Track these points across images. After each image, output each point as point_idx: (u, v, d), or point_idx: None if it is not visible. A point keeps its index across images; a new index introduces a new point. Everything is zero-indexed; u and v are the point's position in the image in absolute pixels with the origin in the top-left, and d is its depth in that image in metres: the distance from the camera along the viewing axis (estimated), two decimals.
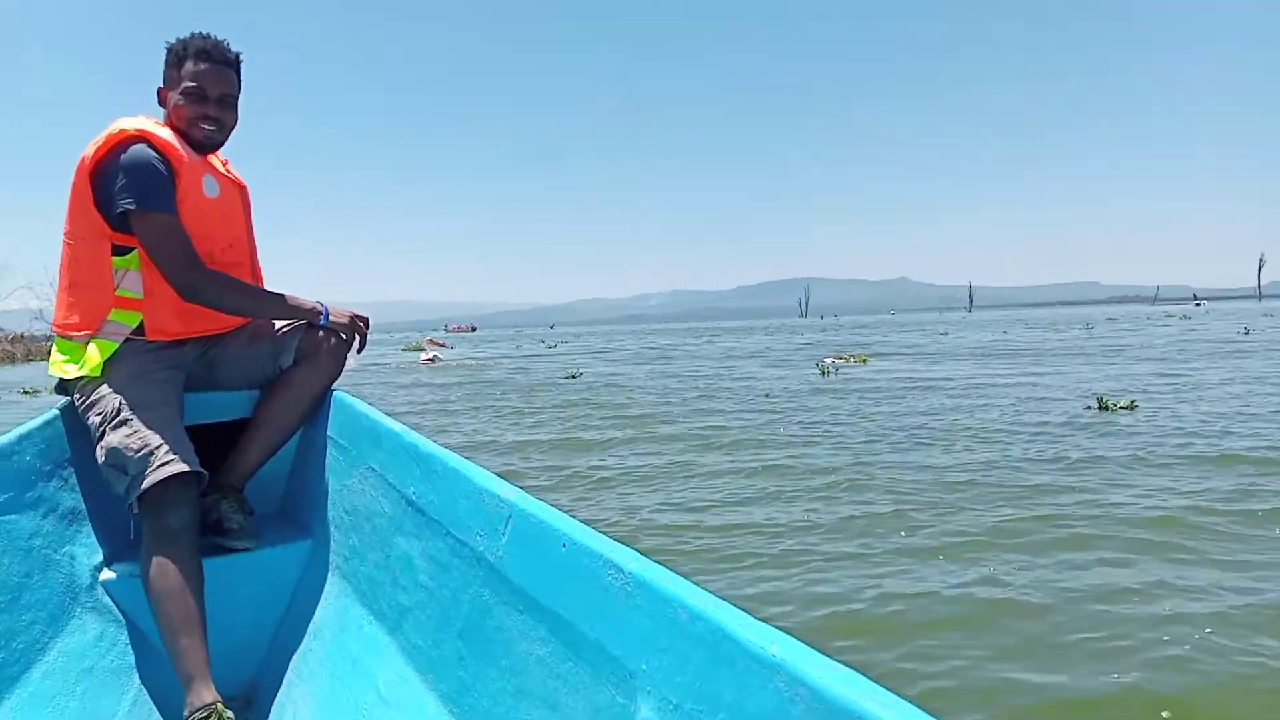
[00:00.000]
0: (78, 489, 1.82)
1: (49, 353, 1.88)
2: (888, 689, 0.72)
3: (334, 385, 2.06)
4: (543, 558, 1.19)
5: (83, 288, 1.82)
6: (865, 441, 6.06)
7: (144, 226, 1.76)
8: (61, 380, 1.87)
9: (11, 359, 34.84)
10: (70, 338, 1.82)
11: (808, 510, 4.12)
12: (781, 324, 78.51)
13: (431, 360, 21.90)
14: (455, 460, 1.50)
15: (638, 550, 1.04)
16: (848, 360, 16.00)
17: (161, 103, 1.93)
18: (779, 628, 0.83)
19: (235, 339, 2.01)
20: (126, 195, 1.72)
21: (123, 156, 1.74)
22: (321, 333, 2.01)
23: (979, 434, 6.20)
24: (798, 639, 0.81)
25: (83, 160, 1.77)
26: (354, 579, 1.74)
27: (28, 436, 1.77)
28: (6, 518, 1.61)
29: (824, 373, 13.07)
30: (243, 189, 2.07)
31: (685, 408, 8.64)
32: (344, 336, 2.04)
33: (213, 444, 1.92)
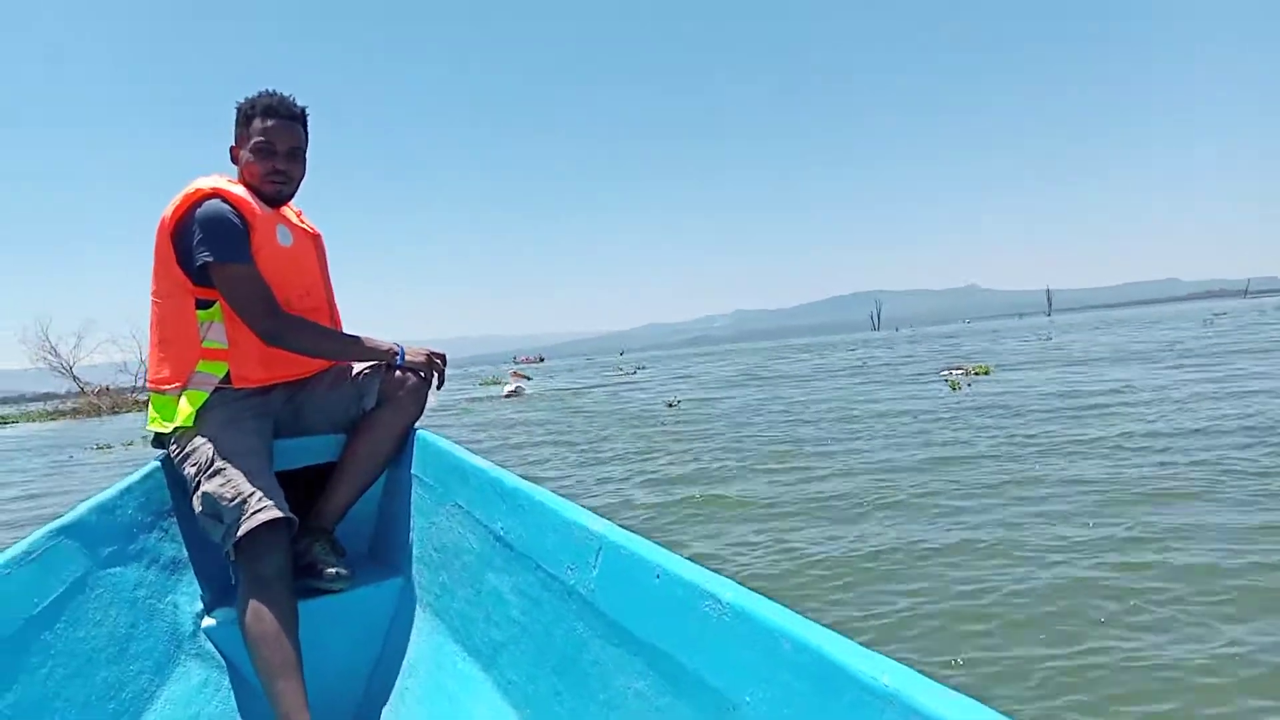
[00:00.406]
0: (179, 538, 1.87)
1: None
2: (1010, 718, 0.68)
3: (416, 424, 2.09)
4: (636, 589, 1.17)
5: (171, 343, 1.89)
6: (1128, 496, 4.36)
7: (223, 277, 1.82)
8: (158, 434, 1.93)
9: (97, 411, 35.28)
10: (163, 392, 1.88)
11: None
12: (859, 338, 75.93)
13: (515, 393, 20.86)
14: (541, 494, 1.49)
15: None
16: (969, 373, 14.39)
17: (234, 160, 1.99)
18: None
19: (319, 384, 2.07)
20: (204, 249, 1.78)
21: (199, 213, 1.80)
22: (401, 373, 2.05)
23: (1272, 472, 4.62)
24: (911, 668, 0.78)
25: (162, 221, 1.83)
26: (446, 616, 1.75)
27: (129, 490, 1.80)
28: (112, 570, 1.64)
29: (954, 387, 11.51)
30: (316, 237, 2.13)
31: (829, 445, 7.16)
32: (423, 375, 2.08)
33: (302, 488, 2.00)
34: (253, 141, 1.91)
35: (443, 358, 2.09)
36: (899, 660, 0.80)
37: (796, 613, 0.91)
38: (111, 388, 38.75)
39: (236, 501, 1.68)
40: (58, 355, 40.00)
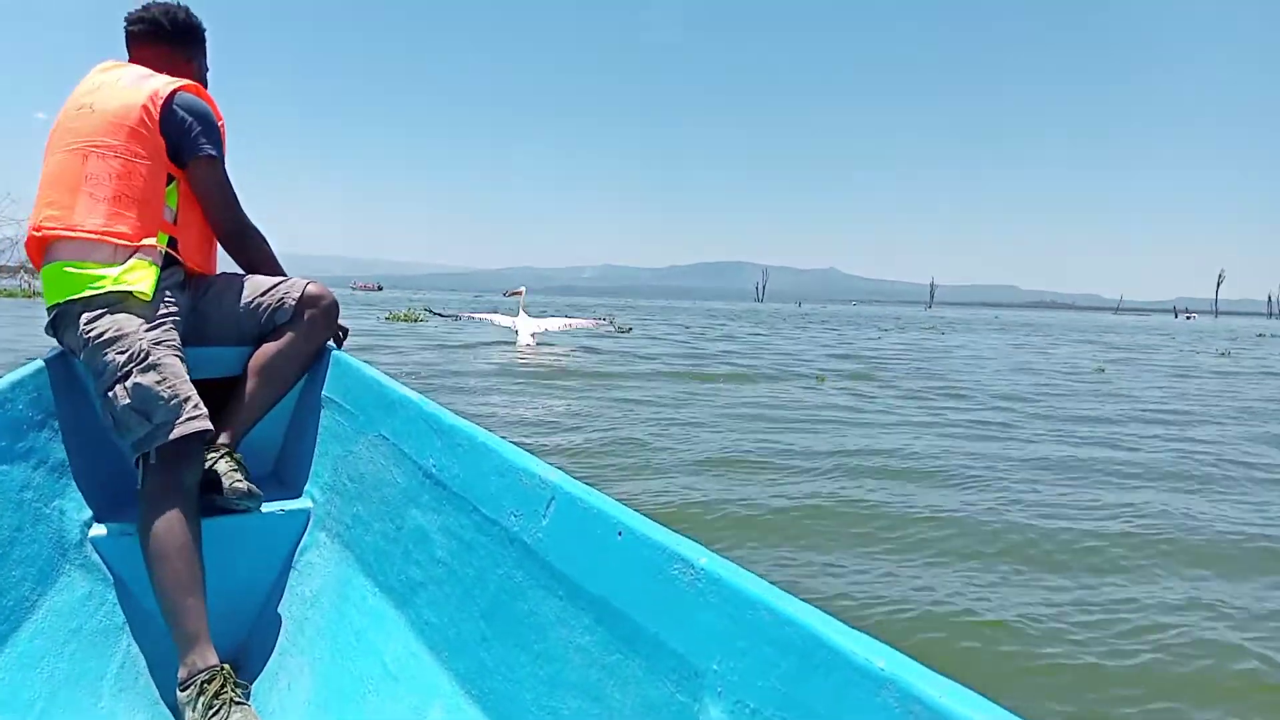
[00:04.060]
0: (64, 441, 1.72)
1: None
2: (1016, 715, 0.64)
3: (332, 346, 2.02)
4: (592, 545, 1.09)
5: (136, 201, 1.75)
6: None
7: (212, 174, 1.83)
8: (70, 301, 1.69)
9: None
10: (112, 244, 1.71)
11: None
12: (783, 311, 68.22)
13: (534, 349, 13.33)
14: (485, 435, 1.41)
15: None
16: None
17: (188, 74, 1.96)
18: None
19: (227, 292, 1.95)
20: (207, 142, 1.80)
21: (197, 104, 1.81)
22: (315, 290, 1.97)
23: None
24: (905, 653, 0.72)
25: (154, 92, 1.77)
26: (357, 549, 1.66)
27: (20, 384, 1.67)
28: None
29: None
30: None
31: None
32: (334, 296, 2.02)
33: (204, 401, 1.84)
34: (207, 64, 2.06)
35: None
36: None
37: (779, 588, 0.85)
38: None
39: (174, 402, 1.59)
40: None
